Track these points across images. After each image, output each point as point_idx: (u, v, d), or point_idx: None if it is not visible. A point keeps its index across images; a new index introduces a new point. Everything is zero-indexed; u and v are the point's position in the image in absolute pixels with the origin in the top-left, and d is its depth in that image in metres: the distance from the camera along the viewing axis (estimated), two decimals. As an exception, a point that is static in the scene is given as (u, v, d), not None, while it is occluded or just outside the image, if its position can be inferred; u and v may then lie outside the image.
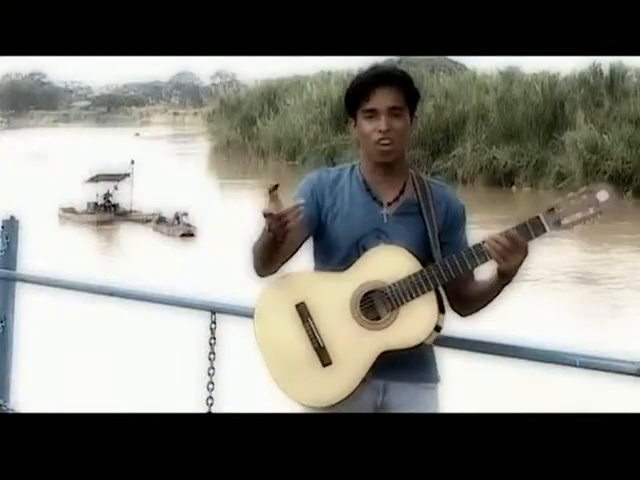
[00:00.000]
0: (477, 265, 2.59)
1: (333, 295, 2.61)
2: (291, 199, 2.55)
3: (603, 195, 2.50)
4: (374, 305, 2.59)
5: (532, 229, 2.52)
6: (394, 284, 2.57)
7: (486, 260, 2.56)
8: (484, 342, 2.77)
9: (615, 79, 31.73)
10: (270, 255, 2.60)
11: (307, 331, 2.61)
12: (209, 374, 3.21)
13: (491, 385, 8.48)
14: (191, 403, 3.39)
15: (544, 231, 2.53)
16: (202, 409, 3.22)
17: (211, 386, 3.22)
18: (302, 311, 2.62)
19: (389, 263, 2.60)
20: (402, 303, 2.57)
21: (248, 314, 3.11)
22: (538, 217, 2.53)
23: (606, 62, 31.98)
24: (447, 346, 2.75)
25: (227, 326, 3.29)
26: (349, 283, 2.60)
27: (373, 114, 2.62)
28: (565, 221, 2.51)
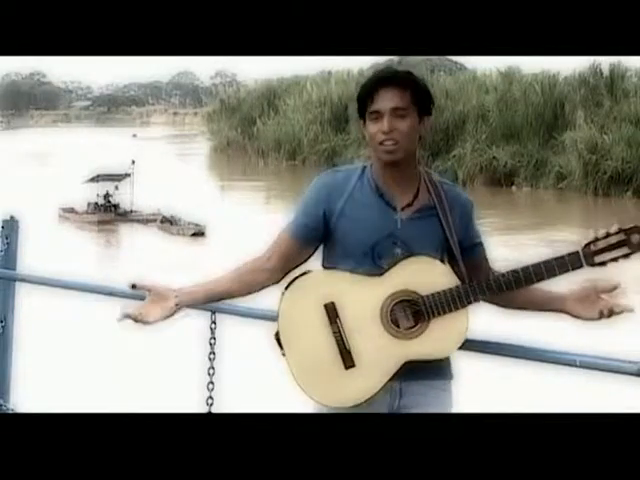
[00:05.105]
0: (513, 289, 2.60)
1: (364, 299, 2.57)
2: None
3: (636, 238, 2.55)
4: (405, 314, 2.57)
5: (570, 263, 2.57)
6: (429, 296, 2.56)
7: (523, 286, 2.60)
8: (484, 342, 2.77)
9: (615, 79, 31.72)
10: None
11: (334, 332, 2.58)
12: (209, 374, 3.21)
13: (490, 385, 8.47)
14: (191, 403, 3.39)
15: (581, 266, 2.58)
16: (202, 409, 3.22)
17: (211, 386, 3.22)
18: (331, 311, 2.58)
19: (425, 274, 2.57)
20: (435, 316, 2.56)
21: (248, 314, 3.12)
22: (577, 252, 2.57)
23: (606, 62, 32.01)
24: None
25: (227, 326, 3.29)
26: (382, 289, 2.57)
27: (377, 115, 2.59)
28: (598, 258, 2.57)
